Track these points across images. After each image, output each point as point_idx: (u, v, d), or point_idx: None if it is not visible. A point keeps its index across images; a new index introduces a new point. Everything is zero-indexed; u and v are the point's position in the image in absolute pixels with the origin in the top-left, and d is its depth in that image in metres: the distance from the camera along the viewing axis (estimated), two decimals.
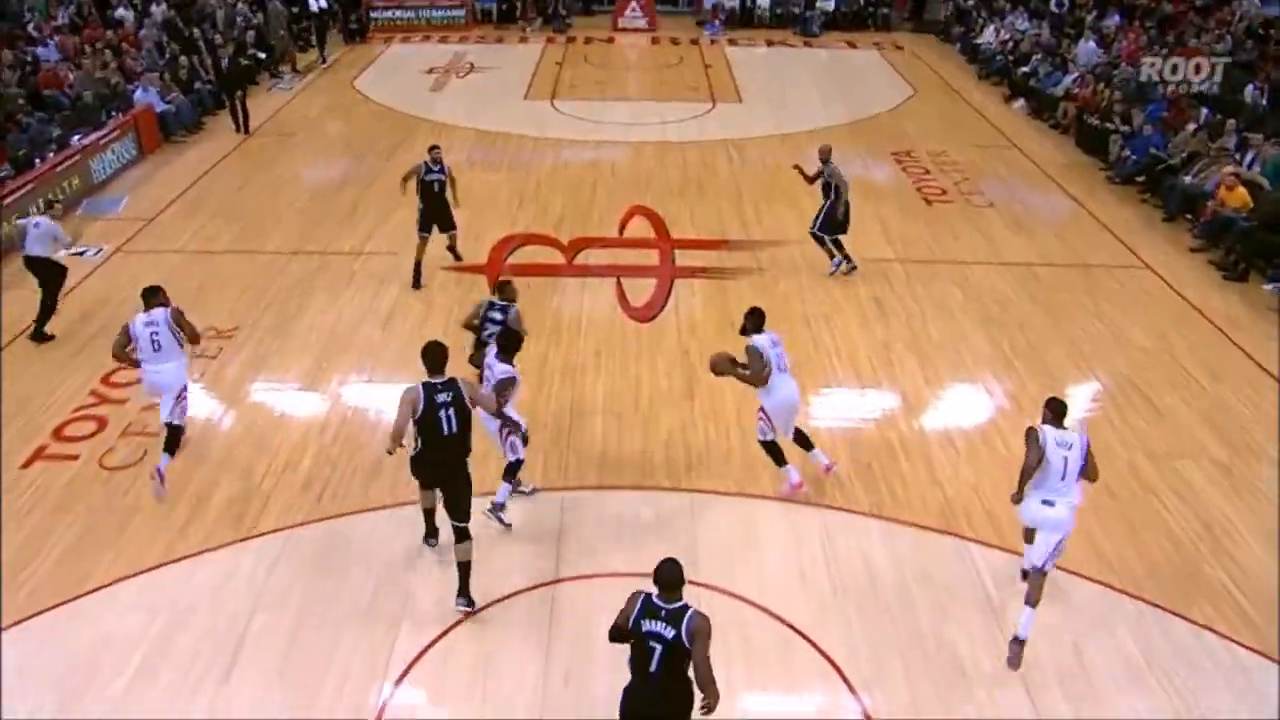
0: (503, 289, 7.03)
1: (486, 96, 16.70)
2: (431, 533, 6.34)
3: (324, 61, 19.02)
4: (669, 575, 4.18)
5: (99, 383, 8.12)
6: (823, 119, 15.29)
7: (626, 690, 4.27)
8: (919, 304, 9.58)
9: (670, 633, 4.10)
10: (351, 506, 6.76)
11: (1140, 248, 11.02)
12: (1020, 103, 16.69)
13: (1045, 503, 5.45)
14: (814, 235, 10.05)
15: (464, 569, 5.81)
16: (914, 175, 13.14)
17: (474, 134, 14.46)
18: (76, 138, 12.65)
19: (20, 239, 8.95)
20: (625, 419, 7.71)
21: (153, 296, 6.81)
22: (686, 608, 4.15)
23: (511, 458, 6.39)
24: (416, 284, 9.53)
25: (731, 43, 21.20)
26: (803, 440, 6.86)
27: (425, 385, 5.58)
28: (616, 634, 4.27)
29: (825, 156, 9.76)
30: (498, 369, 6.24)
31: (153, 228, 11.14)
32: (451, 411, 5.53)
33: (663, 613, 4.13)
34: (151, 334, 6.68)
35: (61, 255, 8.84)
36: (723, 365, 6.49)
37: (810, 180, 9.99)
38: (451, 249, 9.90)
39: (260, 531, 6.51)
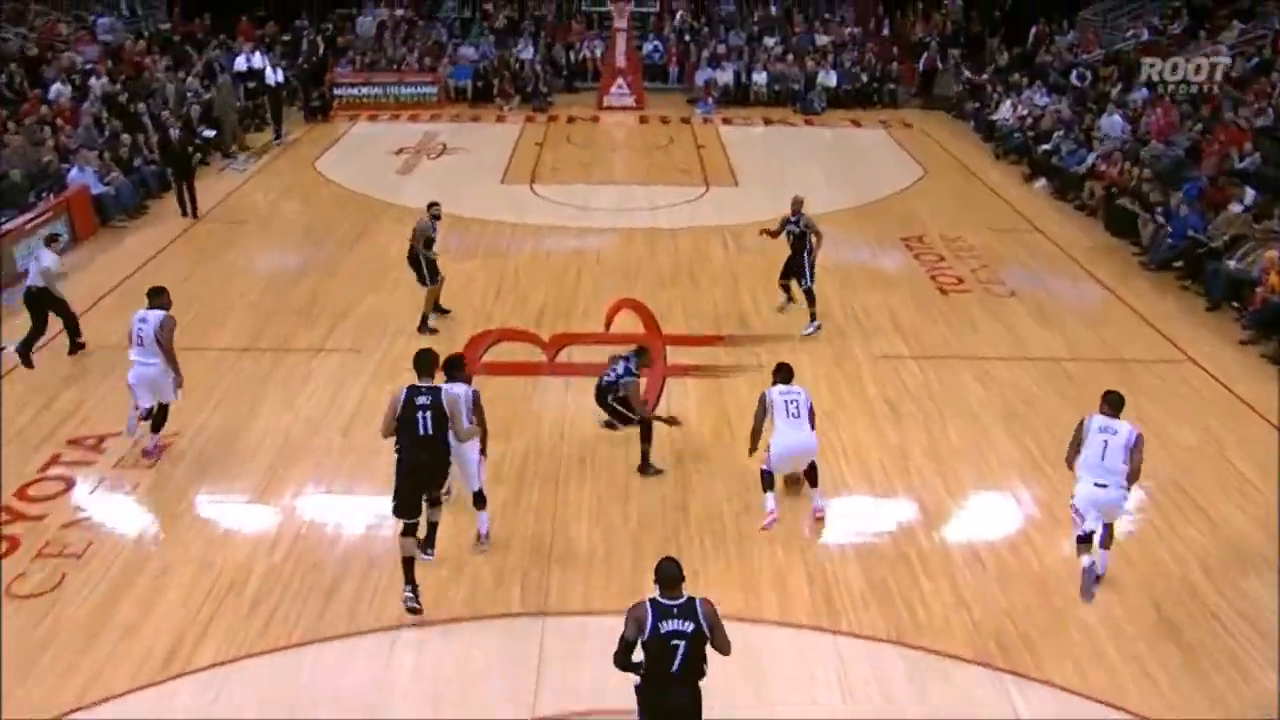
0: (640, 353, 8.38)
1: (460, 179, 16.96)
2: (410, 579, 6.76)
3: (279, 139, 19.48)
4: (671, 573, 4.92)
5: (12, 497, 8.00)
6: (826, 202, 15.44)
7: (649, 695, 4.89)
8: (936, 403, 9.61)
9: (690, 626, 4.82)
10: (303, 635, 6.66)
11: (1181, 339, 11.14)
12: (1041, 182, 17.19)
13: (1098, 485, 6.67)
14: (809, 292, 10.87)
15: (433, 528, 7.12)
16: (927, 263, 13.28)
17: (446, 219, 14.49)
18: None
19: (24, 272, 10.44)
20: (613, 533, 7.68)
21: (155, 296, 8.38)
22: (693, 599, 4.87)
23: (478, 485, 7.29)
24: (442, 311, 11.13)
25: (726, 122, 21.63)
26: (811, 477, 7.71)
27: (409, 387, 6.68)
28: (625, 653, 4.91)
29: (797, 208, 10.87)
30: (463, 393, 6.97)
31: (85, 321, 11.00)
32: (428, 415, 6.57)
33: (674, 610, 4.81)
34: (139, 330, 8.20)
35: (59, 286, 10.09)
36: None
37: (774, 234, 11.03)
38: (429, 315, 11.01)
39: (196, 667, 6.37)
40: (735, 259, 13.30)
